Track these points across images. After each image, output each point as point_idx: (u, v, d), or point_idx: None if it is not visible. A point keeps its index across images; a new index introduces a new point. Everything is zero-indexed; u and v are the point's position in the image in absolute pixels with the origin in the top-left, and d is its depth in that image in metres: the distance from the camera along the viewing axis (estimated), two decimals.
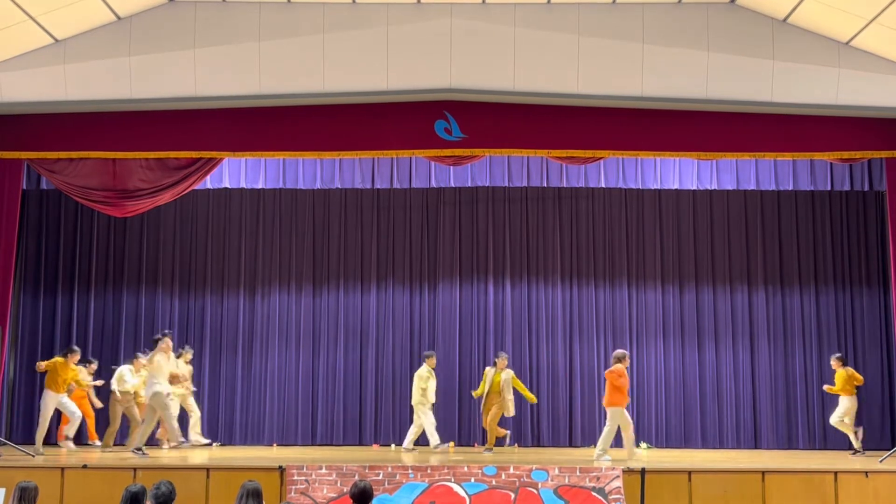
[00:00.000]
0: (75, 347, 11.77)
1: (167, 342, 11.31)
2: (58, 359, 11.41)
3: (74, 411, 11.51)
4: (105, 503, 8.92)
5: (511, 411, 12.02)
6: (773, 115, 11.16)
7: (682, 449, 12.75)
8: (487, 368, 12.32)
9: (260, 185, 12.73)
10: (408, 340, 13.56)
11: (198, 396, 13.29)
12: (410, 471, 9.37)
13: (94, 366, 12.44)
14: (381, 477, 9.25)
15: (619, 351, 11.32)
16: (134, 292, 13.55)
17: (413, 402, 12.11)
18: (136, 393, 12.03)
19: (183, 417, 12.22)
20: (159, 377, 10.94)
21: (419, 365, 12.36)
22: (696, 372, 13.35)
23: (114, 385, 12.02)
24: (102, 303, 13.46)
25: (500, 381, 11.97)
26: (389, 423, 13.32)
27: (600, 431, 13.11)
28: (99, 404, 12.19)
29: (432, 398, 12.03)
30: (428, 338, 13.57)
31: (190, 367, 12.57)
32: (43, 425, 11.22)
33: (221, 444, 13.05)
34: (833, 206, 13.70)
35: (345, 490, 8.66)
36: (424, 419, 11.92)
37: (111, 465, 9.73)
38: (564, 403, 13.32)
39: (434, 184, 12.94)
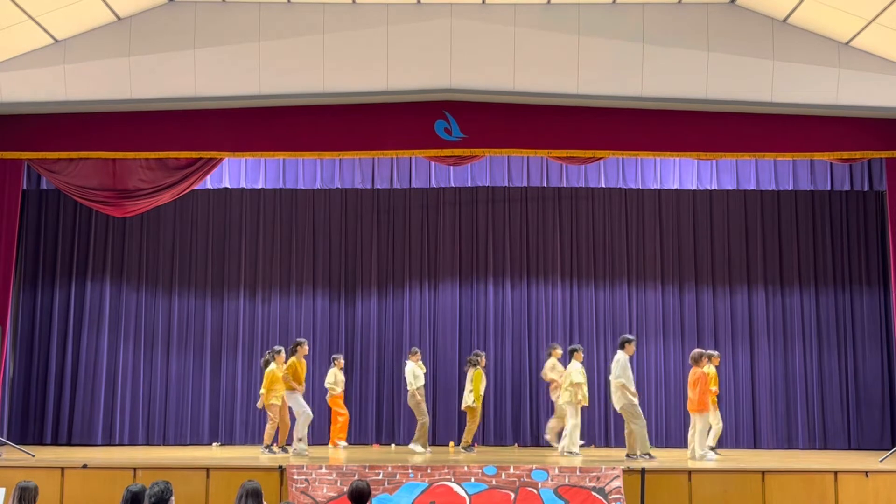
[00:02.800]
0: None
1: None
2: (290, 361, 11.37)
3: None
4: (105, 503, 8.92)
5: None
6: (773, 115, 11.16)
7: (682, 449, 12.73)
8: (480, 370, 12.13)
9: (260, 185, 12.74)
10: (407, 340, 13.56)
11: (198, 396, 13.32)
12: (410, 471, 9.37)
13: (341, 361, 12.59)
14: (381, 477, 9.25)
15: (695, 351, 11.31)
16: (133, 292, 13.54)
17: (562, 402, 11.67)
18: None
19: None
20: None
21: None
22: None
23: (410, 381, 11.88)
24: (101, 302, 13.45)
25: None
26: (390, 423, 13.33)
27: (598, 431, 13.18)
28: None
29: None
30: (428, 337, 13.58)
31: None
32: (303, 421, 11.25)
33: (221, 444, 13.06)
34: (833, 206, 13.70)
35: (345, 490, 8.66)
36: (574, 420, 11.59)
37: (111, 465, 9.73)
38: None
39: (434, 184, 12.95)
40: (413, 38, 10.80)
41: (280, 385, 11.38)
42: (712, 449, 11.25)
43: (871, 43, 10.69)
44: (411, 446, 11.74)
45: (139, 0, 10.69)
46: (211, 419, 13.25)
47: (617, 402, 10.99)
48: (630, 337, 11.29)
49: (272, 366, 11.51)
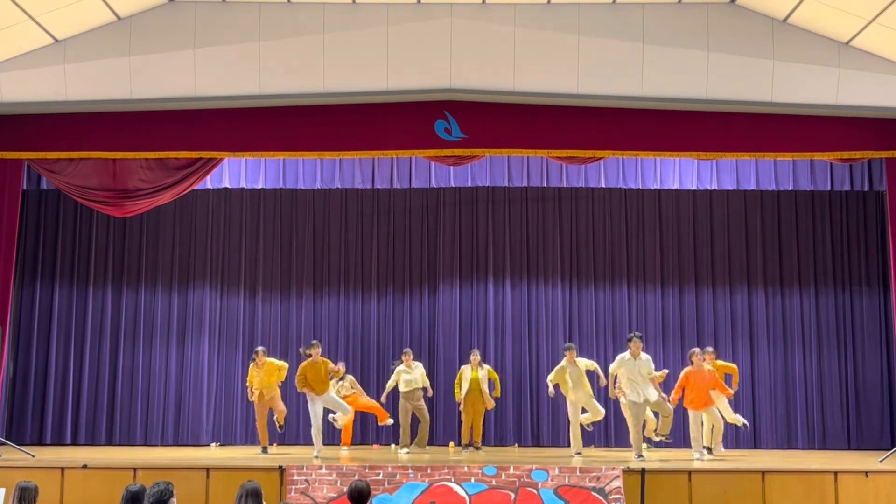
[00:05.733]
0: (314, 341, 11.64)
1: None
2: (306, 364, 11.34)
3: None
4: (105, 503, 8.92)
5: (491, 404, 12.03)
6: (773, 115, 11.15)
7: (682, 449, 12.74)
8: (463, 368, 12.16)
9: (260, 185, 12.74)
10: (408, 340, 13.55)
11: (198, 396, 13.32)
12: (410, 471, 9.37)
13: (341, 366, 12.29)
14: (381, 477, 9.26)
15: (697, 351, 11.33)
16: (133, 292, 13.54)
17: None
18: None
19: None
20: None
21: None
22: None
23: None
24: (101, 302, 13.46)
25: (477, 378, 11.94)
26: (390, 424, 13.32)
27: (598, 431, 13.18)
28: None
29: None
30: (428, 338, 13.58)
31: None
32: (315, 432, 11.26)
33: (221, 444, 13.06)
34: (833, 206, 13.69)
35: (345, 490, 8.66)
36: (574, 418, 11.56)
37: (111, 465, 9.73)
38: (564, 404, 13.24)
39: (434, 184, 12.95)
40: (413, 38, 10.80)
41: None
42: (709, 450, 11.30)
43: (871, 43, 10.69)
44: (406, 451, 11.60)
45: (139, 0, 10.70)
46: (210, 419, 13.24)
47: (653, 394, 10.95)
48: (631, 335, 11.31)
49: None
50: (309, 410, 11.39)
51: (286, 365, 11.87)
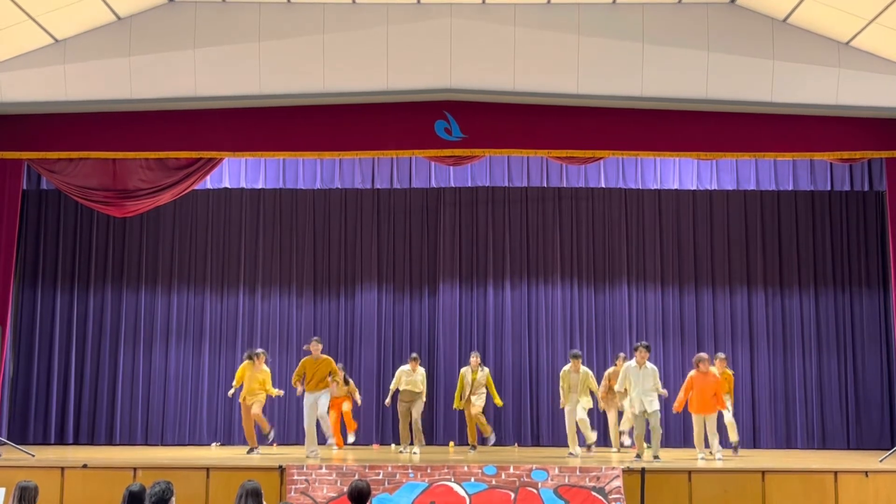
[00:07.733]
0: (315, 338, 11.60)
1: None
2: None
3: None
4: (105, 503, 8.92)
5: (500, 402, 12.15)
6: (773, 115, 11.16)
7: (681, 449, 12.74)
8: (463, 371, 12.08)
9: (260, 185, 12.75)
10: (408, 341, 13.56)
11: (198, 396, 13.32)
12: (410, 470, 9.37)
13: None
14: (381, 477, 9.25)
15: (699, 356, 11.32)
16: (133, 292, 13.55)
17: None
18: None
19: None
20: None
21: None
22: None
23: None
24: (102, 302, 13.47)
25: (478, 380, 11.92)
26: (389, 424, 13.32)
27: (597, 431, 13.21)
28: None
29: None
30: (428, 338, 13.58)
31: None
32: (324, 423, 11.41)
33: (221, 444, 13.06)
34: (833, 206, 13.70)
35: (345, 490, 8.65)
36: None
37: (111, 465, 9.73)
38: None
39: (434, 184, 12.95)
40: (413, 38, 10.80)
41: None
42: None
43: (871, 43, 10.69)
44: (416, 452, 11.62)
45: (139, 0, 10.70)
46: (210, 419, 13.25)
47: (655, 405, 10.91)
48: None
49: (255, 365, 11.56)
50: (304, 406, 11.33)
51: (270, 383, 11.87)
